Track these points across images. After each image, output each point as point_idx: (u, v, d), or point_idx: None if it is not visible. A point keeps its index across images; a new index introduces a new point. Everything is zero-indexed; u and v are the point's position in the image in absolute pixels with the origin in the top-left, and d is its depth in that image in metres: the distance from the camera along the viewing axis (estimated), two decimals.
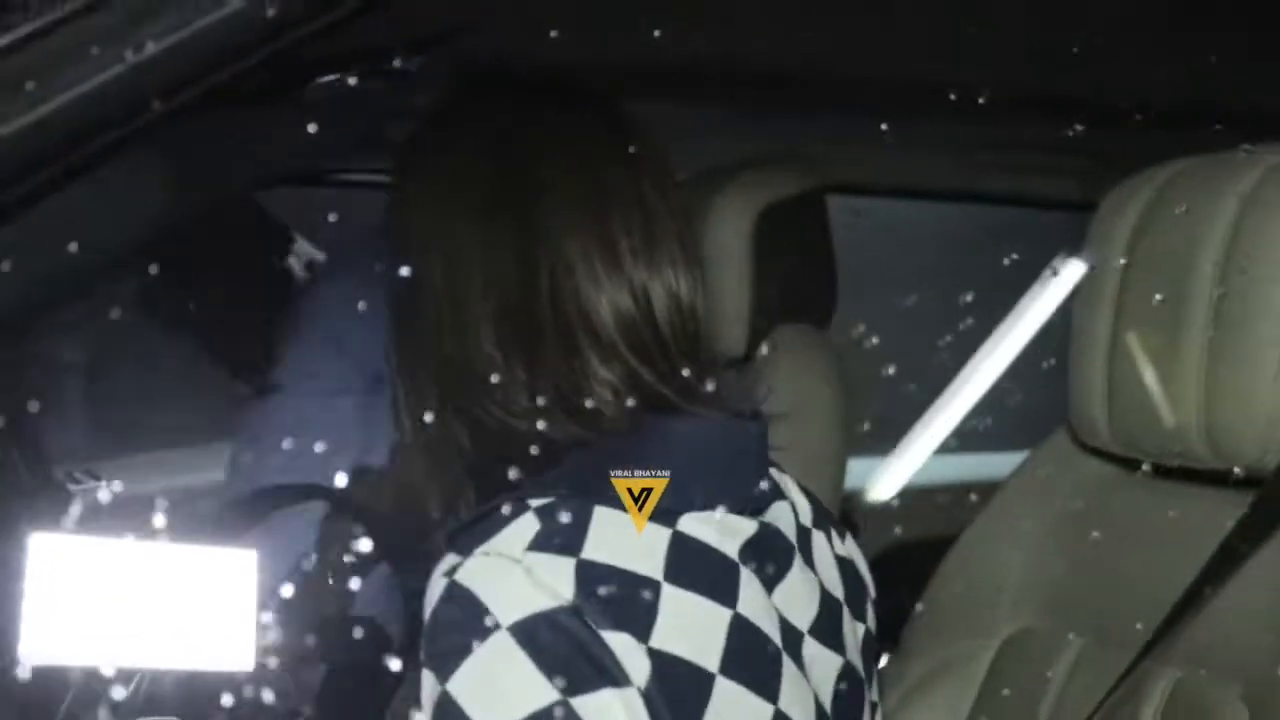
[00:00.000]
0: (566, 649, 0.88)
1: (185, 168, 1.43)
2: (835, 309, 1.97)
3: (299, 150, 1.73)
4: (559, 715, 0.86)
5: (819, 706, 0.99)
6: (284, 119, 1.35)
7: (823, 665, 1.02)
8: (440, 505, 1.03)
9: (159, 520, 0.91)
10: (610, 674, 0.89)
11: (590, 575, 0.90)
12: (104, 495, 1.51)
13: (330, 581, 1.57)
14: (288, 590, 1.60)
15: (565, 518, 0.92)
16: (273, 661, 1.02)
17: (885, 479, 1.99)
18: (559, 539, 0.91)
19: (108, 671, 0.85)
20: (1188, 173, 1.28)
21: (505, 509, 0.92)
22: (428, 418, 1.01)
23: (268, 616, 0.91)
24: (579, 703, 0.87)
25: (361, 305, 1.45)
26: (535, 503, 0.92)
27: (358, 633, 1.24)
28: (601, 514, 0.93)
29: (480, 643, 0.87)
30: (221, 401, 2.01)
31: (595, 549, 0.91)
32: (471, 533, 0.92)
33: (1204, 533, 1.18)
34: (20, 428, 1.37)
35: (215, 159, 1.27)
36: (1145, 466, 1.30)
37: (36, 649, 0.80)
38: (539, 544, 0.90)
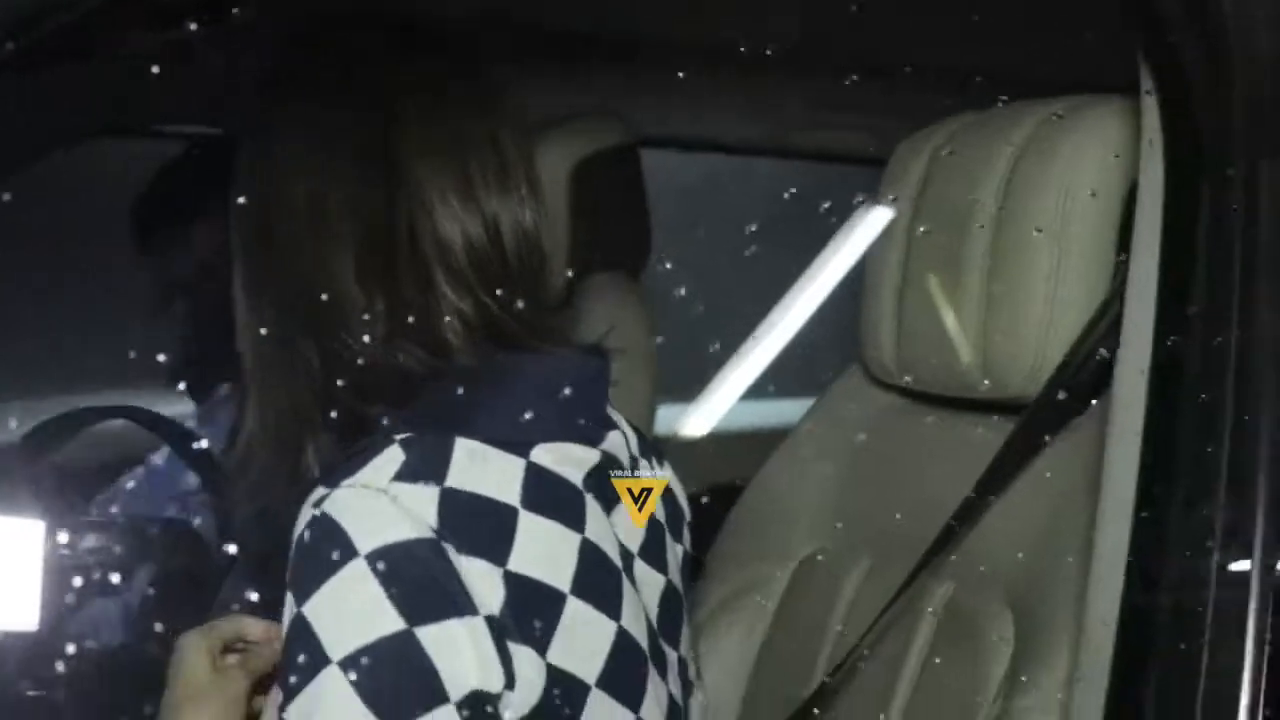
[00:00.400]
0: (417, 579, 0.91)
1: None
2: (648, 258, 2.04)
3: (125, 102, 1.72)
4: (402, 643, 0.89)
5: (648, 623, 1.06)
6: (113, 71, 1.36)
7: (650, 585, 1.08)
8: (289, 445, 1.04)
9: None
10: (458, 604, 0.92)
11: (453, 502, 0.94)
12: None
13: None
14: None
15: (428, 449, 0.96)
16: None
17: (691, 423, 2.05)
18: (423, 469, 0.94)
19: None
20: (969, 125, 1.38)
21: (369, 443, 0.95)
22: (280, 350, 1.03)
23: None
24: (423, 632, 0.90)
25: None
26: (399, 436, 0.95)
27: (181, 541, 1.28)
28: (461, 445, 0.96)
29: (338, 570, 0.90)
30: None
31: (457, 478, 0.95)
32: (341, 467, 0.94)
33: (980, 457, 1.27)
34: None
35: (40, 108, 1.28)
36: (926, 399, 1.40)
37: None
38: (403, 474, 0.94)
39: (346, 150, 1.03)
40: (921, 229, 1.37)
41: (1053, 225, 1.22)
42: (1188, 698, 0.88)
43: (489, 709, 0.93)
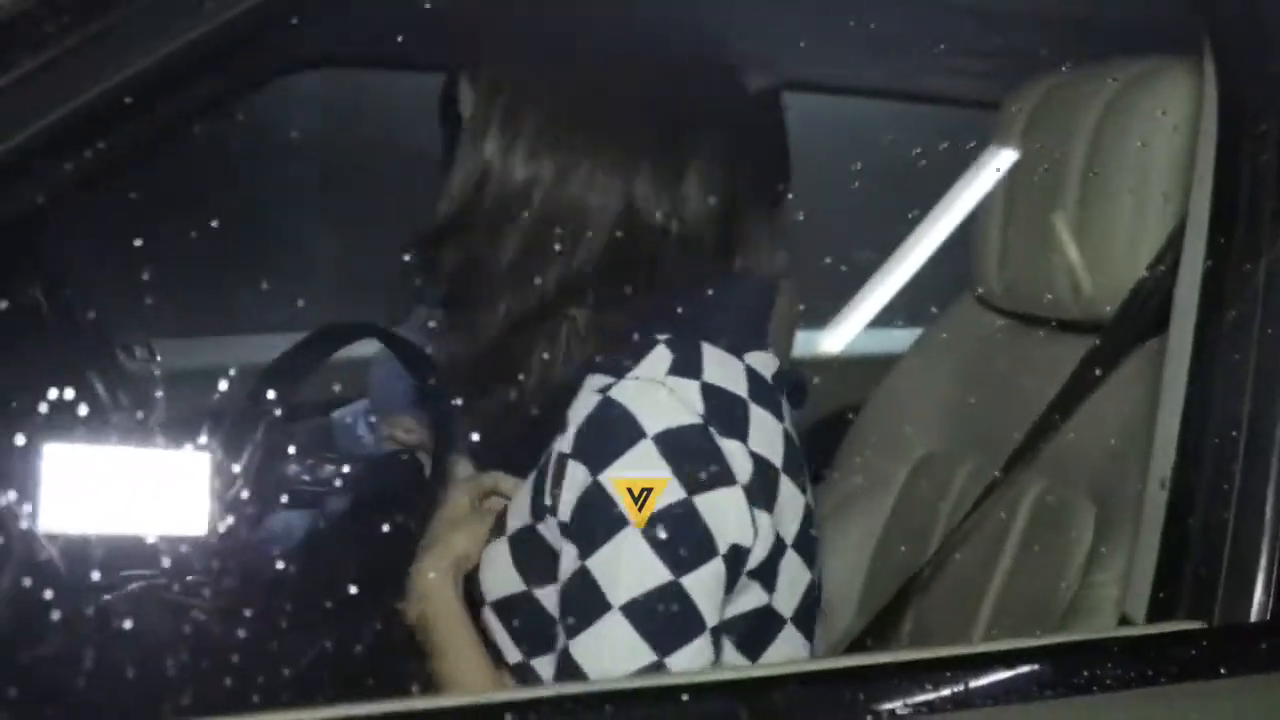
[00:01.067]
0: (692, 455, 1.09)
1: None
2: (788, 193, 2.24)
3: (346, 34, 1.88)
4: (680, 510, 1.08)
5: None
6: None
7: None
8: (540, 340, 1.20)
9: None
10: (726, 476, 1.11)
11: (709, 394, 1.13)
12: (154, 369, 1.74)
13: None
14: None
15: (686, 350, 1.15)
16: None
17: (823, 345, 2.18)
18: (686, 367, 1.14)
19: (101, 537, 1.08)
20: (1067, 82, 1.56)
21: (638, 344, 1.14)
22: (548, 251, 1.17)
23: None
24: (699, 499, 1.09)
25: None
26: (661, 338, 1.15)
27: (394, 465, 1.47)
28: (705, 348, 1.16)
29: (630, 447, 1.09)
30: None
31: (709, 374, 1.14)
32: (614, 361, 1.14)
33: (1070, 371, 1.44)
34: (85, 299, 1.55)
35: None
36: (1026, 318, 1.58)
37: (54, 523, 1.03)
38: (674, 370, 1.13)
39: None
40: (1024, 170, 1.55)
41: (1132, 170, 1.40)
42: (1217, 548, 1.08)
43: (741, 560, 1.13)
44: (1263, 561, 1.07)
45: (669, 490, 1.09)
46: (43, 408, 1.12)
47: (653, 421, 1.10)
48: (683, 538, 1.09)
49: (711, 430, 1.11)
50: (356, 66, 2.13)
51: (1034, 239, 1.54)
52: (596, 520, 1.09)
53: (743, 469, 1.12)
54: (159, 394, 1.53)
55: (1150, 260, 1.38)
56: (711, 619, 1.10)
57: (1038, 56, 1.64)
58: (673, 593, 1.08)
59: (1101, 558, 1.36)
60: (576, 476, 1.11)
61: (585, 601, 1.09)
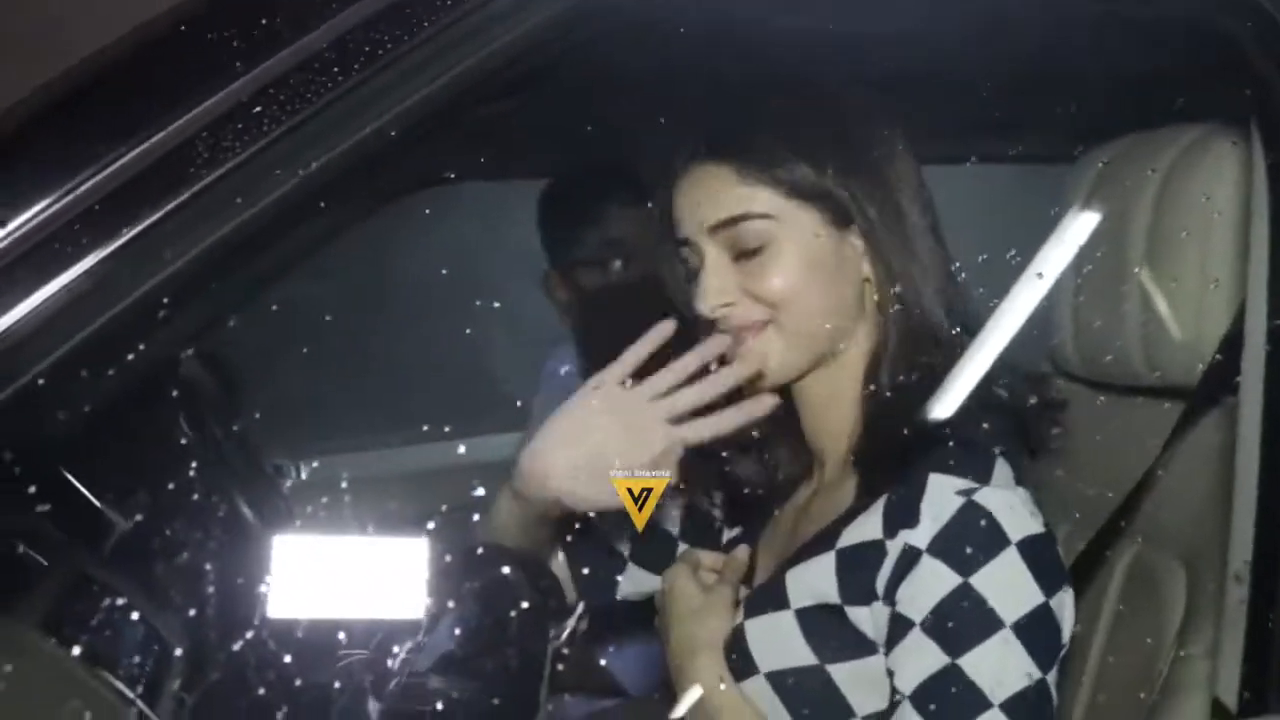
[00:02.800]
0: (1047, 561, 1.17)
1: None
2: None
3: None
4: (1042, 613, 1.15)
5: None
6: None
7: None
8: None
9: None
10: (1064, 577, 1.19)
11: (1036, 502, 1.21)
12: (302, 482, 1.80)
13: None
14: None
15: (1014, 461, 1.22)
16: None
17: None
18: (1019, 476, 1.21)
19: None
20: (1129, 146, 1.56)
21: (981, 452, 1.21)
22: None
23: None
24: (1054, 600, 1.16)
25: None
26: (997, 450, 1.22)
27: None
28: (1019, 465, 1.24)
29: (999, 553, 1.15)
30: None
31: (1025, 485, 1.22)
32: (965, 464, 1.19)
33: (1150, 435, 1.45)
34: (238, 425, 1.64)
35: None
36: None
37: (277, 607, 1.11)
38: (1017, 480, 1.21)
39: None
40: (1093, 237, 1.54)
41: (1187, 257, 1.40)
42: None
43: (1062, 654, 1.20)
44: None
45: (1033, 594, 1.15)
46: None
47: (1015, 529, 1.16)
48: (1044, 637, 1.15)
49: (1050, 537, 1.19)
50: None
51: (1105, 307, 1.54)
52: (968, 621, 1.14)
53: (1067, 571, 1.21)
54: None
55: (1218, 337, 1.38)
56: (1056, 708, 1.17)
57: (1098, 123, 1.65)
58: (1040, 688, 1.14)
59: (1194, 628, 1.36)
60: (938, 577, 1.16)
61: (959, 700, 1.14)
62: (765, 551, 1.41)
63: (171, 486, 1.43)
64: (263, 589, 1.13)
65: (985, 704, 1.13)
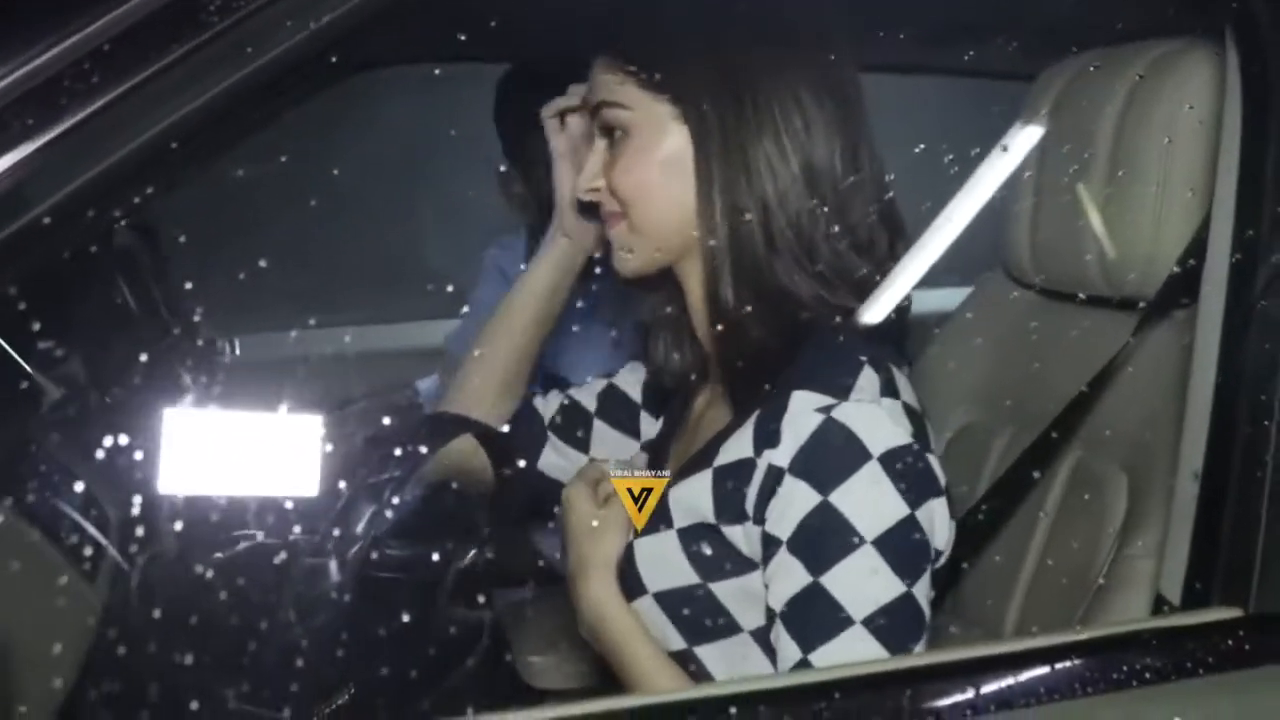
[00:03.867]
0: (910, 473, 1.16)
1: None
2: None
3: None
4: (906, 525, 1.14)
5: None
6: None
7: None
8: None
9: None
10: (935, 488, 1.19)
11: (908, 412, 1.20)
12: (236, 360, 1.78)
13: None
14: None
15: (883, 371, 1.20)
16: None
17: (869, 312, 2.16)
18: (888, 387, 1.19)
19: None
20: (1097, 60, 1.55)
21: (845, 364, 1.19)
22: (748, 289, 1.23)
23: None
24: (919, 512, 1.16)
25: None
26: (862, 357, 1.19)
27: None
28: (892, 370, 1.22)
29: (856, 469, 1.14)
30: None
31: (903, 394, 1.21)
32: (826, 379, 1.17)
33: (1101, 345, 1.46)
34: (179, 300, 1.61)
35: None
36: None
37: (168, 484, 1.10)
38: (883, 391, 1.18)
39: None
40: (1054, 149, 1.54)
41: (1158, 163, 1.39)
42: (1251, 536, 1.09)
43: (937, 561, 1.21)
44: None
45: (895, 507, 1.15)
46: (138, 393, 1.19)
47: (876, 443, 1.15)
48: (909, 550, 1.15)
49: (917, 445, 1.17)
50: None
51: (1062, 215, 1.53)
52: (829, 539, 1.14)
53: (941, 479, 1.21)
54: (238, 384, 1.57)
55: (1179, 249, 1.37)
56: (928, 618, 1.18)
57: (1072, 31, 1.63)
58: (905, 601, 1.14)
59: (1136, 529, 1.37)
60: (799, 494, 1.15)
61: (823, 617, 1.14)
62: (673, 460, 1.40)
63: (113, 351, 1.41)
64: (203, 461, 1.12)
65: (848, 620, 1.13)
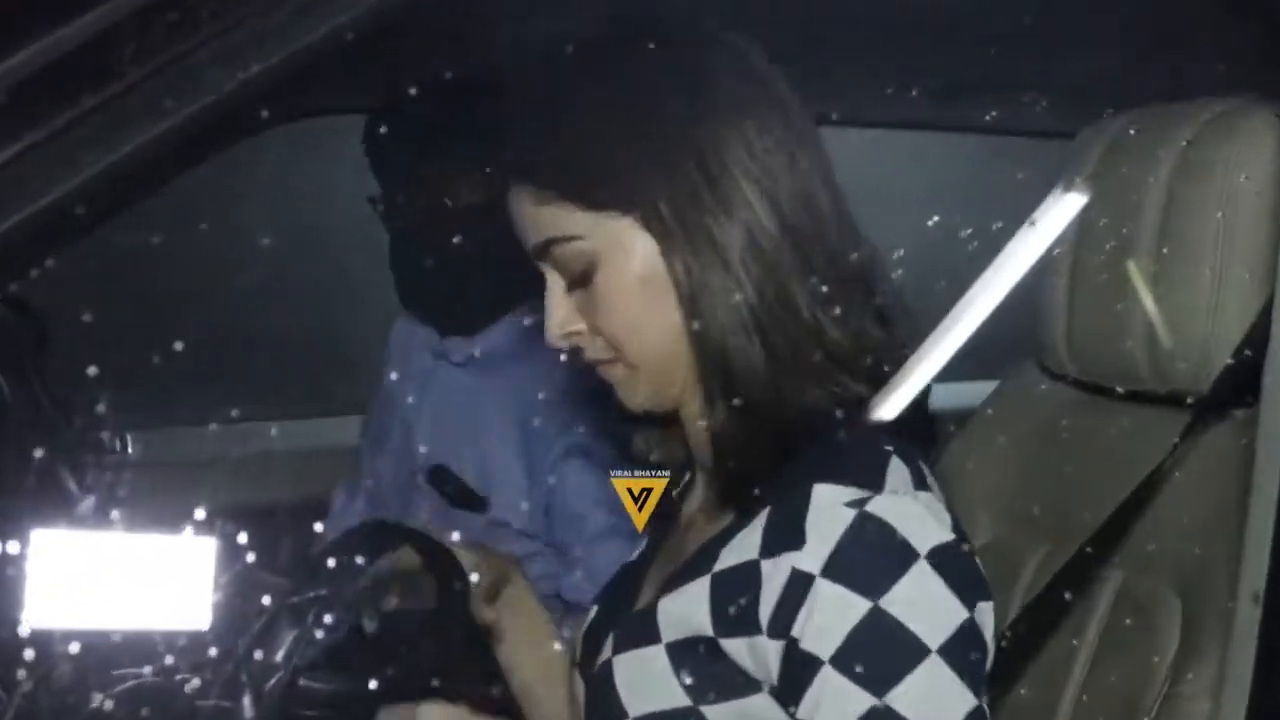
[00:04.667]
0: (963, 571, 1.11)
1: None
2: None
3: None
4: (968, 630, 1.09)
5: None
6: None
7: None
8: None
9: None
10: (984, 588, 1.14)
11: (943, 506, 1.15)
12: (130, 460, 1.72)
13: None
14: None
15: (912, 465, 1.16)
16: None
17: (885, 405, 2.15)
18: (920, 479, 1.15)
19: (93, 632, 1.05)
20: (1142, 119, 1.50)
21: (870, 454, 1.14)
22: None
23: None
24: (976, 615, 1.11)
25: None
26: (887, 447, 1.15)
27: None
28: (920, 464, 1.17)
29: (907, 569, 1.08)
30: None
31: (932, 486, 1.17)
32: (852, 471, 1.12)
33: (1146, 447, 1.40)
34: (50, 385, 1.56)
35: None
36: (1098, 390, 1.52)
37: (36, 615, 1.02)
38: (916, 483, 1.14)
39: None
40: (1094, 224, 1.49)
41: (1212, 240, 1.35)
42: None
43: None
44: None
45: (954, 609, 1.10)
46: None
47: (921, 539, 1.10)
48: (973, 658, 1.10)
49: (966, 546, 1.13)
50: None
51: (1101, 297, 1.48)
52: (887, 652, 1.08)
53: (986, 580, 1.15)
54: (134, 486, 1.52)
55: (1236, 339, 1.33)
56: None
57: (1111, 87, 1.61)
58: (977, 714, 1.09)
59: (1189, 661, 1.31)
60: (839, 602, 1.09)
61: None
62: (654, 571, 1.35)
63: None
64: (86, 585, 1.05)
65: None
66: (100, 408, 1.38)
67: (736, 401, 1.17)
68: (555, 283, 1.22)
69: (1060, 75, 1.92)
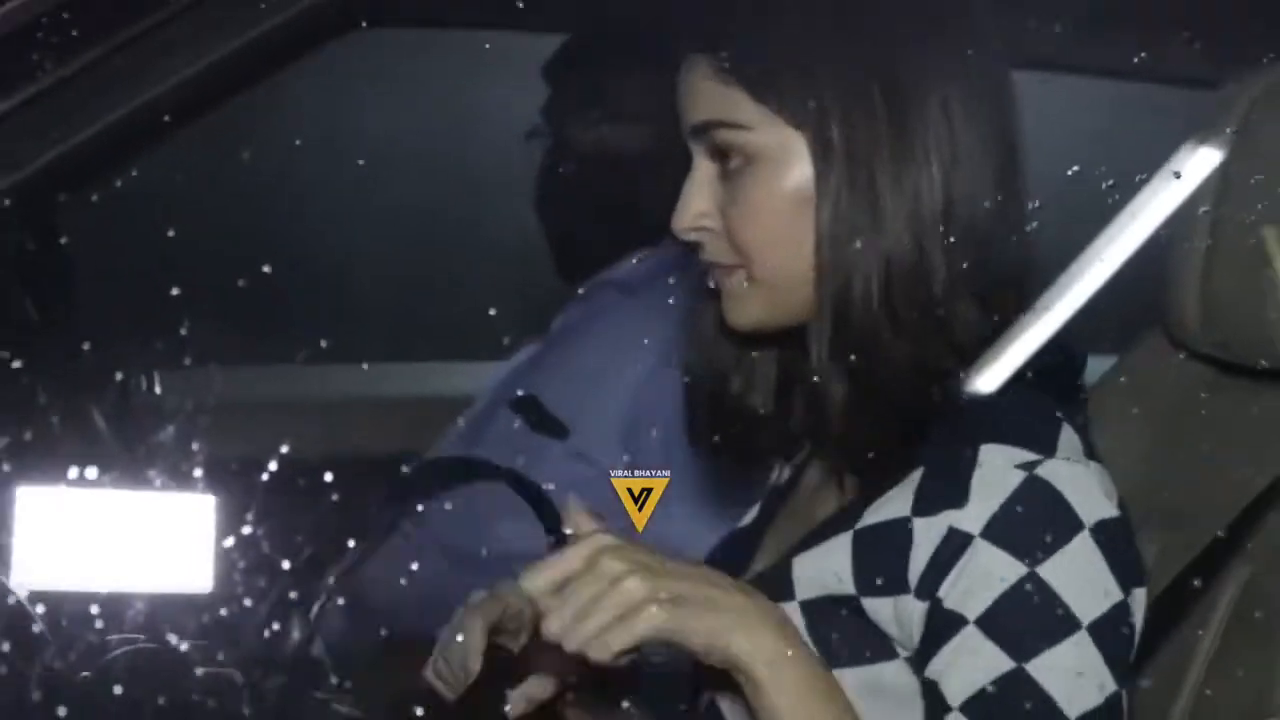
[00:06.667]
0: (1123, 552, 1.10)
1: None
2: None
3: None
4: (1120, 612, 1.08)
5: None
6: None
7: None
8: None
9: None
10: (1140, 573, 1.13)
11: (1111, 479, 1.14)
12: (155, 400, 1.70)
13: None
14: None
15: (1080, 428, 1.15)
16: None
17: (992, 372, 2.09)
18: (1093, 450, 1.15)
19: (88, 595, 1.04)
20: None
21: (1043, 419, 1.14)
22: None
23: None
24: (1131, 598, 1.10)
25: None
26: (1058, 413, 1.14)
27: None
28: (1088, 433, 1.17)
29: (1070, 539, 1.08)
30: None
31: (1103, 459, 1.15)
32: (1024, 433, 1.12)
33: None
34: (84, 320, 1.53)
35: None
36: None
37: (28, 578, 1.00)
38: (1088, 452, 1.13)
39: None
40: (1235, 186, 1.37)
41: None
42: None
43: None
44: None
45: (1110, 589, 1.09)
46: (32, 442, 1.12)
47: (1088, 511, 1.10)
48: (1121, 643, 1.10)
49: (1129, 525, 1.13)
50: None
51: (1244, 264, 1.37)
52: (1036, 619, 1.08)
53: (1144, 564, 1.15)
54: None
55: None
56: None
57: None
58: (1115, 703, 1.08)
59: None
60: (997, 564, 1.09)
61: (1027, 711, 1.07)
62: (773, 535, 1.32)
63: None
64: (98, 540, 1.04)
65: (1059, 715, 1.06)
66: (127, 345, 1.38)
67: (849, 355, 1.15)
68: (703, 167, 1.20)
69: (1210, 18, 1.81)
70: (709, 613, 1.06)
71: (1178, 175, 1.41)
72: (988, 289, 1.16)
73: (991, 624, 1.08)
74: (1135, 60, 2.00)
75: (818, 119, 1.14)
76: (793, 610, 1.14)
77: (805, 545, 1.19)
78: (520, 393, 2.14)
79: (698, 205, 1.19)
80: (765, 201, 1.16)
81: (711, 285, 1.23)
